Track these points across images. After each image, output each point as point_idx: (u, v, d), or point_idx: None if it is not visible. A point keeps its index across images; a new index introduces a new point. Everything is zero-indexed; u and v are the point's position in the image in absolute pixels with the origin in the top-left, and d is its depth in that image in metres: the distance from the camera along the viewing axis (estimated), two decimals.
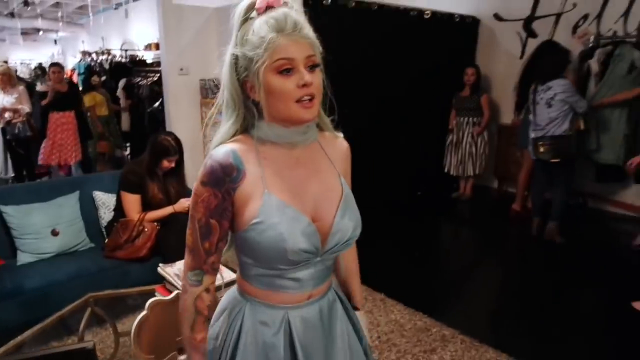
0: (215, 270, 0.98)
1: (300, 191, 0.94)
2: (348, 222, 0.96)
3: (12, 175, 5.47)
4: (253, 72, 0.87)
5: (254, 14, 0.89)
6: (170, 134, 2.75)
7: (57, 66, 5.25)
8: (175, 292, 1.39)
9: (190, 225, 0.94)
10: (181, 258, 2.22)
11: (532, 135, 3.79)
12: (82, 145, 5.31)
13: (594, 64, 4.20)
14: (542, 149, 3.70)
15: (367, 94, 4.10)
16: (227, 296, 1.06)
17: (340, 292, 1.11)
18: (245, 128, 0.96)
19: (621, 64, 4.01)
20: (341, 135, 1.07)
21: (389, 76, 4.36)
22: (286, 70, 0.85)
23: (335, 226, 0.95)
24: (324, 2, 3.77)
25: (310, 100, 0.87)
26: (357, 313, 1.15)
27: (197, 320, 0.96)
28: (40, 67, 10.54)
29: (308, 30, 0.88)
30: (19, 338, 1.87)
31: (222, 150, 0.92)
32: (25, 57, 14.68)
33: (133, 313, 2.46)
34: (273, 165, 0.93)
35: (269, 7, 0.87)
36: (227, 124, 0.95)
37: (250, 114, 0.94)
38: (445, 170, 5.06)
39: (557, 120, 3.60)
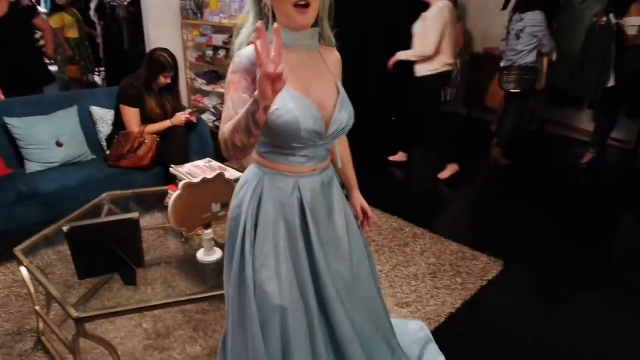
0: None
1: (307, 87, 1.18)
2: (344, 114, 1.23)
3: None
4: None
5: None
6: (166, 50, 2.86)
7: None
8: (202, 177, 1.64)
9: (225, 107, 1.13)
10: (181, 164, 2.46)
11: (502, 64, 3.97)
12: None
13: None
14: (505, 79, 3.88)
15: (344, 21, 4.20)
16: (247, 173, 1.31)
17: (337, 173, 1.39)
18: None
19: None
20: (335, 49, 1.30)
21: (368, 6, 4.46)
22: None
23: (334, 117, 1.20)
24: None
25: (305, 6, 1.09)
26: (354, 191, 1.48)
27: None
28: None
29: None
30: (44, 232, 2.11)
31: (247, 48, 1.15)
32: None
33: (145, 212, 2.73)
34: (287, 65, 1.15)
35: None
36: (247, 27, 1.18)
37: (266, 19, 1.15)
38: None
39: (523, 53, 3.73)
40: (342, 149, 1.45)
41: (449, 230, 3.00)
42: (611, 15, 3.75)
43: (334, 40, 1.27)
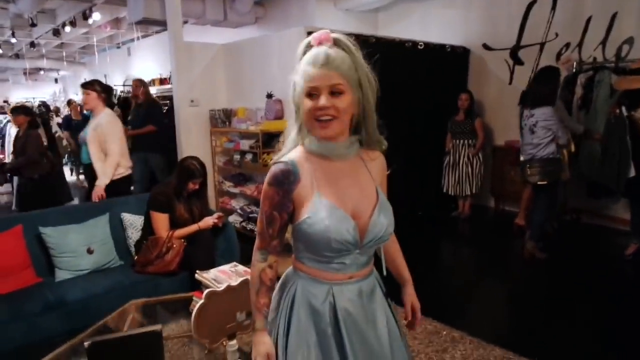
0: (277, 252, 1.22)
1: (343, 195, 1.17)
2: (383, 220, 1.18)
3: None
4: (297, 95, 1.13)
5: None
6: (196, 158, 2.99)
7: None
8: (226, 284, 1.59)
9: (260, 216, 1.20)
10: (208, 268, 2.43)
11: (521, 158, 3.98)
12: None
13: (577, 89, 4.56)
14: (529, 172, 3.86)
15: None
16: (285, 274, 1.30)
17: (381, 281, 1.31)
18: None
19: (603, 88, 4.35)
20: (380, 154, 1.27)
21: (388, 103, 4.64)
22: (311, 94, 1.09)
23: (371, 224, 1.17)
24: None
25: (329, 120, 1.10)
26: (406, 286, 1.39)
27: (261, 289, 1.21)
28: (44, 104, 10.85)
29: (339, 63, 1.07)
30: (66, 345, 2.05)
31: (284, 160, 1.17)
32: (26, 96, 15.01)
33: (170, 320, 2.64)
34: (322, 174, 1.17)
35: (320, 43, 1.12)
36: (291, 135, 1.22)
37: (304, 131, 1.18)
38: (444, 190, 5.31)
39: (541, 146, 3.75)
40: (392, 246, 1.41)
41: (490, 332, 2.78)
42: (623, 108, 3.81)
43: (382, 144, 1.23)
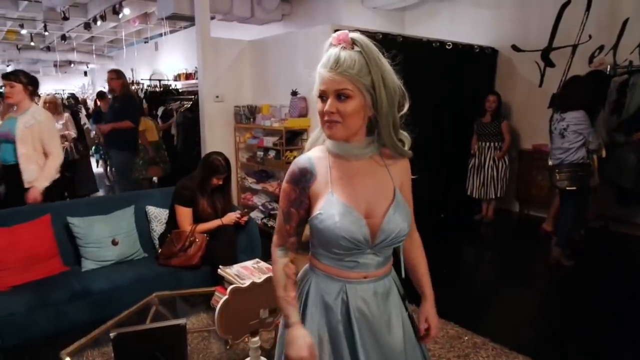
0: (294, 250, 1.25)
1: (356, 194, 1.16)
2: (397, 221, 1.17)
3: None
4: (314, 94, 1.14)
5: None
6: (220, 154, 3.00)
7: None
8: (249, 280, 1.59)
9: (278, 214, 1.23)
10: (230, 264, 2.44)
11: (550, 162, 3.89)
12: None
13: (610, 93, 4.42)
14: (558, 177, 3.76)
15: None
16: (302, 271, 1.31)
17: (399, 283, 1.30)
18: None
19: (638, 92, 4.21)
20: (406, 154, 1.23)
21: (414, 103, 4.59)
22: (321, 97, 1.11)
23: (384, 223, 1.16)
24: None
25: (333, 124, 1.10)
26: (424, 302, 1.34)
27: (288, 282, 1.21)
28: (73, 96, 11.09)
29: (348, 67, 1.05)
30: (91, 334, 2.08)
31: (303, 157, 1.20)
32: (56, 88, 15.34)
33: (190, 313, 2.68)
34: (338, 172, 1.17)
35: (339, 44, 1.10)
36: (315, 131, 1.24)
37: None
38: (468, 193, 5.22)
39: (571, 150, 3.67)
40: (416, 255, 1.36)
41: (513, 339, 2.72)
42: None
43: (401, 148, 1.19)
